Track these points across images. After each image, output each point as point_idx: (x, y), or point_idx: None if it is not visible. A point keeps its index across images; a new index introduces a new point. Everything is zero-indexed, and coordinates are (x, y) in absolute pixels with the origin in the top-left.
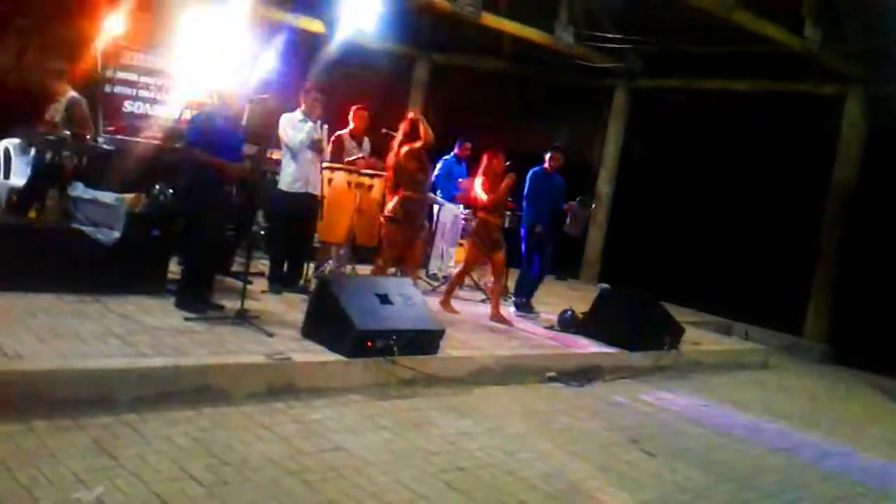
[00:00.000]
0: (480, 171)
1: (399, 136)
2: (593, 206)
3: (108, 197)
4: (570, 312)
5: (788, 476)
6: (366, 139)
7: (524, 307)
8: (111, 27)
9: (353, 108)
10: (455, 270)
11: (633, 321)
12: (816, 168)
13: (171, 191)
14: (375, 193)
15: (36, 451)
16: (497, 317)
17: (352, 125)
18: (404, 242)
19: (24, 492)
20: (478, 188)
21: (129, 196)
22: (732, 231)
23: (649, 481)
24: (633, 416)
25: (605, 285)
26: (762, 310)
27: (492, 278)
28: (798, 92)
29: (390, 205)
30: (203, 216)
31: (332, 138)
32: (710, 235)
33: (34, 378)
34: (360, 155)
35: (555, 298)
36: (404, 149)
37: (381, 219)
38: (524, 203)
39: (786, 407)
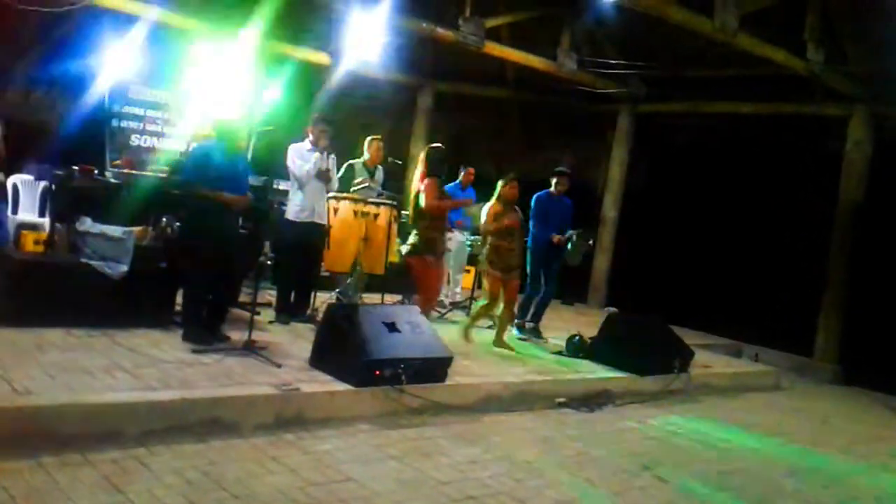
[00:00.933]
0: (494, 197)
1: (420, 168)
2: (591, 241)
3: (115, 231)
4: (577, 337)
5: (802, 499)
6: (380, 168)
7: (529, 330)
8: (118, 62)
9: (368, 138)
10: (459, 298)
11: (641, 345)
12: (823, 188)
13: (177, 223)
14: (381, 222)
15: (45, 487)
16: (501, 343)
17: (367, 155)
18: (430, 273)
19: None
20: (484, 213)
21: (136, 229)
22: (740, 253)
23: None
24: (644, 442)
25: (612, 309)
26: (772, 331)
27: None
28: (802, 114)
29: (412, 238)
30: (203, 248)
31: (345, 166)
32: (717, 258)
33: (43, 413)
34: (368, 184)
35: (562, 323)
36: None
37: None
38: (530, 226)
39: (798, 429)
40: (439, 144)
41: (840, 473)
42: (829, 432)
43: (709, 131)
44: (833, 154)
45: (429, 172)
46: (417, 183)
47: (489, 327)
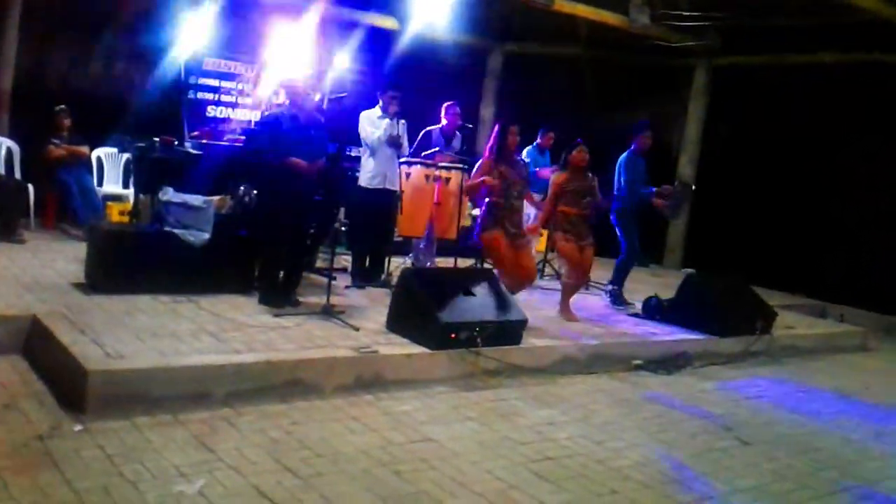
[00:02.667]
0: (561, 164)
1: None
2: (693, 186)
3: (196, 200)
4: (654, 299)
5: (892, 462)
6: (457, 135)
7: (619, 299)
8: (192, 34)
9: (445, 104)
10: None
11: (721, 306)
12: None
13: (255, 192)
14: (453, 186)
15: (139, 446)
16: (566, 314)
17: (444, 122)
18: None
19: (130, 486)
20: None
21: (216, 198)
22: (824, 211)
23: (746, 470)
24: (725, 404)
25: (690, 270)
26: (858, 291)
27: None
28: (888, 62)
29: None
30: (277, 215)
31: (422, 133)
32: (799, 216)
33: (135, 376)
34: (445, 151)
35: (638, 285)
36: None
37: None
38: (621, 189)
39: (887, 390)
40: (506, 123)
41: None
42: None
43: (790, 84)
44: None
45: (492, 151)
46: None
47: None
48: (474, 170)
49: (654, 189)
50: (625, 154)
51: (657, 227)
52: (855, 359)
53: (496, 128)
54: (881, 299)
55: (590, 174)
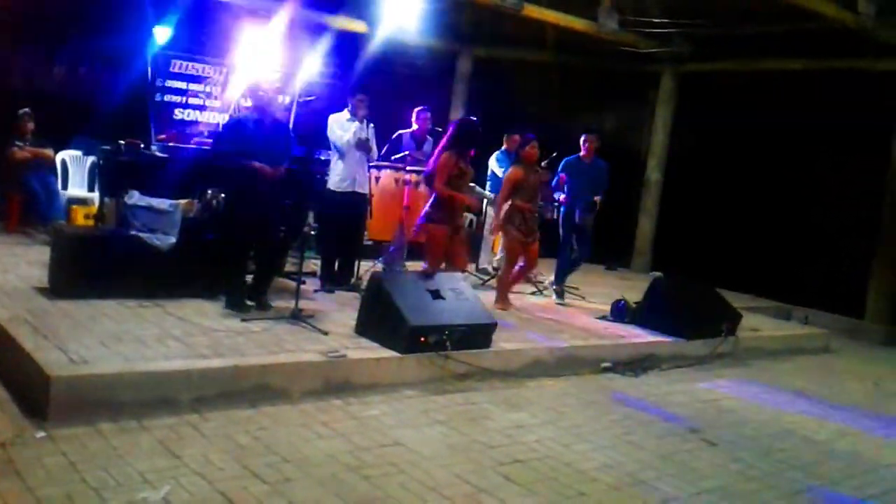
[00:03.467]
0: (518, 158)
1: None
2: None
3: (163, 203)
4: (622, 302)
5: (855, 462)
6: (428, 139)
7: (561, 294)
8: (159, 36)
9: (416, 109)
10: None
11: (688, 309)
12: (875, 146)
13: (222, 195)
14: (422, 190)
15: (103, 452)
16: (504, 305)
17: (415, 126)
18: (445, 241)
19: (93, 493)
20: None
21: (183, 202)
22: (788, 215)
23: (711, 471)
24: (692, 406)
25: (657, 273)
26: (822, 293)
27: (540, 271)
28: (854, 69)
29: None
30: (240, 217)
31: (393, 137)
32: (765, 220)
33: (99, 382)
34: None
35: (606, 288)
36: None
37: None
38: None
39: (849, 392)
40: (473, 118)
41: (892, 437)
42: (881, 395)
43: (755, 91)
44: (886, 110)
45: (451, 145)
46: (439, 150)
47: (532, 293)
48: (438, 164)
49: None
50: (565, 158)
51: (626, 232)
52: (819, 360)
53: (457, 121)
54: (844, 302)
55: (540, 169)
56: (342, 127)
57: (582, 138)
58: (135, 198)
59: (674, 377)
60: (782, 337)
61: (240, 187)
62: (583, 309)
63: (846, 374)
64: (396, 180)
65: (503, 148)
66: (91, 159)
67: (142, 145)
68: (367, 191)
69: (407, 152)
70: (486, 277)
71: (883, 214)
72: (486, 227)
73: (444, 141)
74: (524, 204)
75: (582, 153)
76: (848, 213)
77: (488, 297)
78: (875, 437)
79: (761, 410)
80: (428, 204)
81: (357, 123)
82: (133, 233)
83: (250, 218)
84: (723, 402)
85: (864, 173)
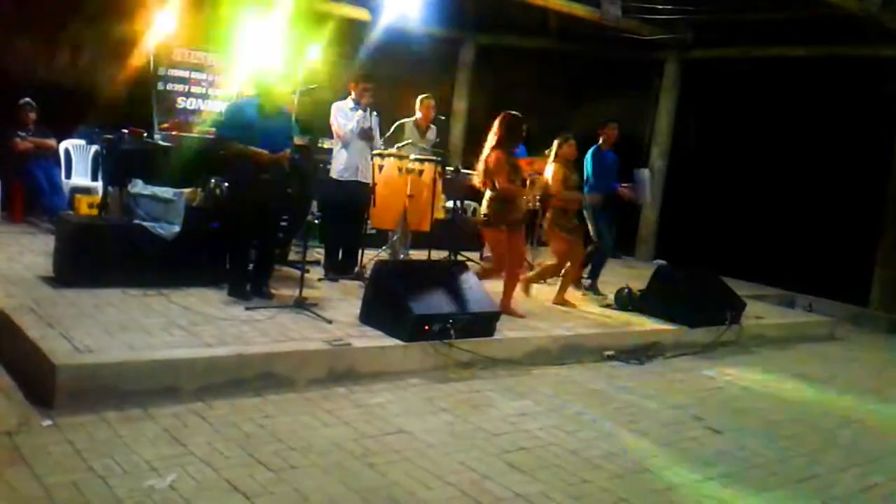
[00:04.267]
0: (551, 158)
1: (495, 135)
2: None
3: (166, 192)
4: (627, 290)
5: (858, 449)
6: (432, 127)
7: (589, 287)
8: (161, 25)
9: (420, 97)
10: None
11: (692, 297)
12: (879, 133)
13: (226, 184)
14: (426, 178)
15: (109, 441)
16: (561, 301)
17: (418, 114)
18: (501, 243)
19: (100, 481)
20: (549, 176)
21: (186, 191)
22: (792, 201)
23: (716, 458)
24: (696, 393)
25: (661, 262)
26: (826, 281)
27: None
28: (858, 56)
29: (483, 207)
30: (241, 204)
31: (396, 125)
32: (769, 207)
33: (104, 370)
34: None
35: (611, 277)
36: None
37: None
38: (586, 182)
39: (853, 379)
40: (515, 112)
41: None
42: (885, 382)
43: (760, 77)
44: (889, 97)
45: (503, 142)
46: (489, 150)
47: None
48: (493, 163)
49: (617, 186)
50: (591, 150)
51: (630, 219)
52: (823, 348)
53: (502, 117)
54: (849, 289)
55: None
56: (345, 115)
57: (602, 130)
58: (138, 187)
59: (678, 365)
60: (786, 325)
61: (240, 174)
62: (586, 297)
63: (851, 361)
64: (400, 169)
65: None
66: (94, 148)
67: (145, 134)
68: (370, 180)
69: (410, 141)
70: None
71: (887, 202)
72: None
73: (493, 139)
74: (567, 203)
75: (601, 142)
76: (852, 202)
77: (495, 287)
78: (880, 424)
79: (766, 398)
80: (484, 206)
81: (360, 112)
82: (137, 222)
83: (251, 206)
84: (727, 389)
85: (868, 160)
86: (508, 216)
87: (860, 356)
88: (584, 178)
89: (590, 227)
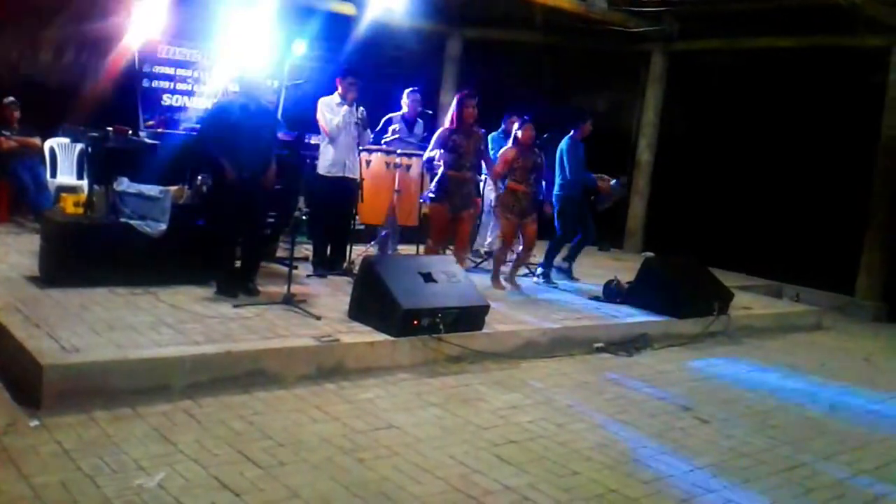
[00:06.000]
0: (510, 141)
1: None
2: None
3: (152, 190)
4: (615, 282)
5: (846, 437)
6: (419, 121)
7: (563, 271)
8: (146, 22)
9: (406, 91)
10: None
11: (679, 288)
12: (864, 123)
13: (212, 181)
14: (413, 173)
15: (97, 440)
16: (497, 285)
17: (405, 109)
18: (446, 221)
19: (89, 480)
20: (500, 157)
21: (173, 188)
22: (779, 192)
23: (705, 448)
24: (684, 384)
25: (649, 253)
26: (813, 271)
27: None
28: (843, 46)
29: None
30: (225, 204)
31: (383, 120)
32: (755, 198)
33: (92, 370)
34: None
35: (598, 269)
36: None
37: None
38: (558, 172)
39: (841, 368)
40: (469, 91)
41: (883, 412)
42: (872, 371)
43: (745, 68)
44: (875, 87)
45: (452, 120)
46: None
47: (525, 275)
48: (432, 139)
49: (593, 175)
50: (565, 140)
51: (618, 212)
52: (810, 337)
53: (456, 98)
54: (835, 279)
55: (536, 150)
56: (332, 110)
57: (579, 123)
58: (124, 185)
59: (666, 356)
60: (774, 315)
61: (223, 172)
62: (575, 290)
63: (837, 350)
64: (387, 164)
65: (502, 129)
66: (79, 147)
67: (130, 132)
68: (357, 175)
69: (398, 135)
70: (479, 260)
71: (873, 192)
72: (484, 209)
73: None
74: (517, 185)
75: (576, 134)
76: (839, 192)
77: (482, 278)
78: (867, 412)
79: (753, 387)
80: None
81: (346, 107)
82: (123, 220)
83: (232, 206)
84: (715, 379)
85: (854, 151)
86: (449, 194)
87: (847, 345)
88: (560, 168)
89: (556, 221)
